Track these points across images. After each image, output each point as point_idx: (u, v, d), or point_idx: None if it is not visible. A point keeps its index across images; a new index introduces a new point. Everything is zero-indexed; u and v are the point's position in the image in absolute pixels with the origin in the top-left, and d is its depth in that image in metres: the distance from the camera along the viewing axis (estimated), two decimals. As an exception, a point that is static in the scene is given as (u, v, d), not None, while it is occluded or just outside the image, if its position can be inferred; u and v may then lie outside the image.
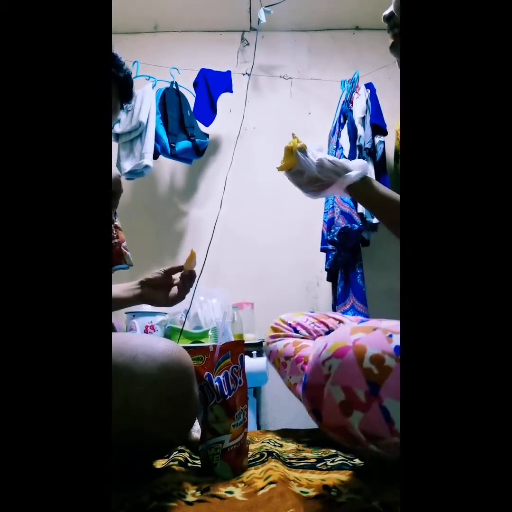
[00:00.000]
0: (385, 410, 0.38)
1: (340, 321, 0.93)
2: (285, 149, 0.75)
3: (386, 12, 0.65)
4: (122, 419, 0.44)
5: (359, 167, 0.73)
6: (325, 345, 0.44)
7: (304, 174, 0.73)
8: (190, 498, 0.44)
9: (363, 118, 1.73)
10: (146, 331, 1.57)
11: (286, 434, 0.98)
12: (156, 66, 1.97)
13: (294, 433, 0.97)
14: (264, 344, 1.02)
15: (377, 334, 0.42)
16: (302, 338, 0.93)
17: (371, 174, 1.63)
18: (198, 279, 1.57)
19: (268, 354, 0.98)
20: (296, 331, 0.95)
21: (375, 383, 0.39)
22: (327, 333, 0.91)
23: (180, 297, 0.80)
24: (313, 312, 1.00)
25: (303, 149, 0.74)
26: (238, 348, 0.59)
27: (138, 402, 0.46)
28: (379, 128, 1.71)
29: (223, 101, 1.93)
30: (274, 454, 0.63)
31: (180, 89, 1.90)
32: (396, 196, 0.73)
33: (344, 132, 1.74)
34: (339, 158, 0.75)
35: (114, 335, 0.50)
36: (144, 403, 0.46)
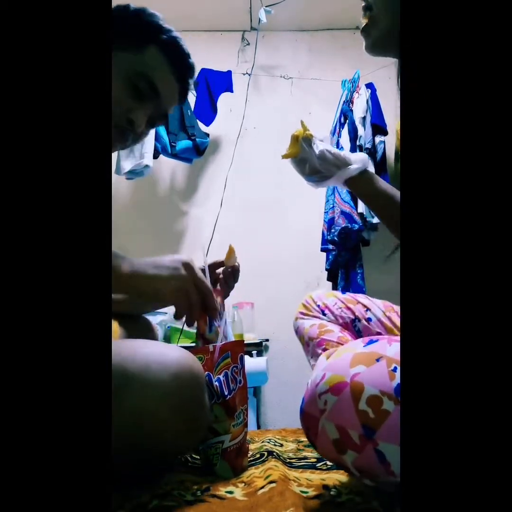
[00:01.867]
0: (380, 453, 0.37)
1: (368, 308, 0.92)
2: (292, 137, 0.75)
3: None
4: (134, 428, 0.44)
5: (360, 161, 0.73)
6: (323, 376, 0.42)
7: (306, 164, 0.73)
8: (190, 498, 0.44)
9: (364, 118, 1.74)
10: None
11: (286, 432, 0.98)
12: (156, 65, 1.96)
13: (294, 432, 0.97)
14: (293, 319, 1.03)
15: (379, 368, 0.39)
16: (329, 321, 0.94)
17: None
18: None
19: (295, 329, 1.00)
20: (324, 313, 0.96)
21: (370, 427, 0.37)
22: (352, 321, 0.91)
23: (224, 296, 0.74)
24: (345, 292, 0.99)
25: (309, 138, 0.73)
26: (238, 348, 0.59)
27: (151, 411, 0.45)
28: (379, 128, 1.71)
29: (224, 100, 1.93)
30: (274, 453, 0.63)
31: (181, 89, 1.90)
32: (396, 192, 0.72)
33: (345, 132, 1.74)
34: (321, 142, 0.75)
35: (125, 341, 0.50)
36: (157, 412, 0.45)
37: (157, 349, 0.50)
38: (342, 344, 0.85)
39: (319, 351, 0.87)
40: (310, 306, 0.98)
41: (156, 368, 0.46)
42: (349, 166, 0.72)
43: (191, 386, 0.48)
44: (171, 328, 1.58)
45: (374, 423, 0.37)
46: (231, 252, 0.75)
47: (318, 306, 0.97)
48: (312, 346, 0.90)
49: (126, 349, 0.47)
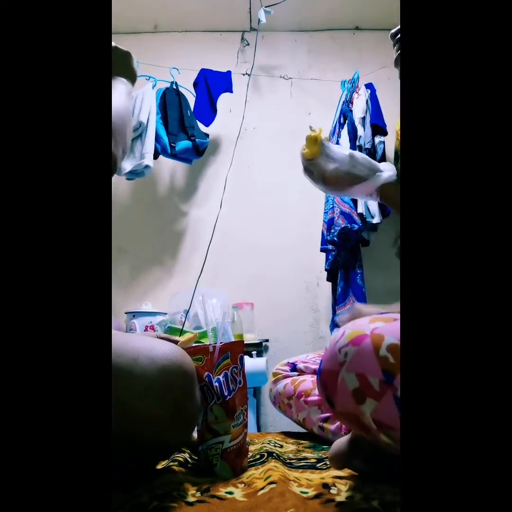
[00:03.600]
0: (398, 400, 0.38)
1: None
2: (308, 139, 0.70)
3: (394, 30, 0.65)
4: (120, 420, 0.44)
5: (391, 169, 0.70)
6: (343, 333, 0.44)
7: (331, 166, 0.68)
8: (190, 499, 0.44)
9: (363, 118, 1.74)
10: (146, 331, 1.57)
11: (286, 436, 0.98)
12: (156, 66, 1.97)
13: (294, 435, 0.97)
14: (269, 392, 1.03)
15: (397, 324, 0.41)
16: (299, 373, 0.95)
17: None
18: (198, 279, 1.58)
19: (272, 400, 0.99)
20: (294, 366, 0.97)
21: (390, 372, 0.38)
22: None
23: None
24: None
25: (327, 140, 0.70)
26: (238, 349, 0.59)
27: (137, 404, 0.45)
28: (379, 128, 1.71)
29: (223, 101, 1.93)
30: (274, 454, 0.63)
31: (180, 89, 1.90)
32: None
33: (344, 132, 1.74)
34: (342, 146, 0.74)
35: (115, 335, 0.50)
36: (142, 405, 0.46)
37: (146, 343, 0.50)
38: None
39: (302, 402, 0.87)
40: (278, 371, 1.00)
41: (143, 361, 0.47)
42: (382, 172, 0.68)
43: (179, 379, 0.49)
44: (171, 328, 1.57)
45: (394, 368, 0.38)
46: (191, 340, 0.69)
47: (288, 363, 0.99)
48: (294, 402, 0.90)
49: (116, 342, 0.47)
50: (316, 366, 0.94)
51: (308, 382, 0.89)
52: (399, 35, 0.64)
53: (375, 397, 0.39)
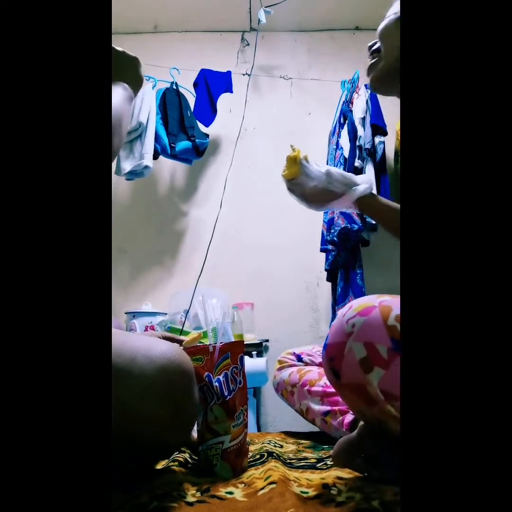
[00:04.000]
0: None
1: None
2: (288, 159, 0.74)
3: (371, 42, 0.67)
4: (119, 420, 0.44)
5: (367, 181, 0.72)
6: (350, 306, 0.45)
7: (310, 184, 0.72)
8: (190, 499, 0.44)
9: (363, 118, 1.73)
10: (146, 331, 1.57)
11: (286, 435, 0.98)
12: (156, 66, 1.97)
13: (294, 435, 0.97)
14: (272, 379, 1.03)
15: None
16: (305, 365, 0.95)
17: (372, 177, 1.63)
18: (198, 279, 1.58)
19: (276, 387, 0.99)
20: (300, 358, 0.98)
21: (399, 340, 0.39)
22: None
23: None
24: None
25: (306, 159, 0.73)
26: (238, 349, 0.59)
27: (135, 404, 0.45)
28: (379, 128, 1.71)
29: (223, 101, 1.93)
30: (274, 454, 0.63)
31: (180, 90, 1.90)
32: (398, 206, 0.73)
33: (344, 132, 1.74)
34: (340, 159, 0.75)
35: (114, 335, 0.50)
36: (140, 405, 0.46)
37: (144, 343, 0.50)
38: (324, 376, 0.86)
39: (305, 391, 0.88)
40: (284, 359, 1.00)
41: (141, 361, 0.47)
42: (358, 186, 0.71)
43: (179, 378, 0.49)
44: (171, 328, 1.57)
45: None
46: (196, 340, 0.70)
47: (294, 353, 0.99)
48: (298, 391, 0.90)
49: (114, 342, 0.47)
50: (318, 361, 0.94)
51: (314, 373, 0.89)
52: (375, 46, 0.67)
53: (383, 365, 0.40)
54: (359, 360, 0.41)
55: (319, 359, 0.95)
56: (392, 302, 0.42)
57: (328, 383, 0.83)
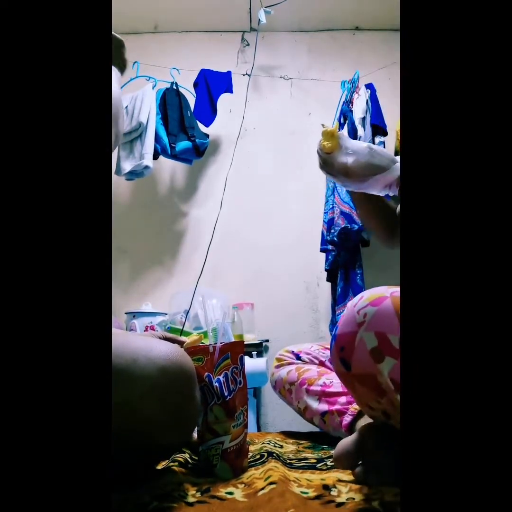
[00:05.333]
0: None
1: None
2: (325, 133, 0.71)
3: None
4: (120, 421, 0.44)
5: None
6: (362, 296, 0.44)
7: (351, 159, 0.68)
8: (190, 499, 0.44)
9: (363, 119, 1.74)
10: (145, 331, 1.57)
11: (286, 436, 0.98)
12: (156, 66, 1.97)
13: (294, 435, 0.97)
14: (269, 376, 1.03)
15: None
16: (304, 363, 0.94)
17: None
18: (198, 279, 1.58)
19: (273, 384, 0.99)
20: (298, 357, 0.97)
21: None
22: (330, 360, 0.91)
23: None
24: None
25: (343, 134, 0.71)
26: (238, 349, 0.59)
27: (137, 405, 0.45)
28: (379, 128, 1.71)
29: (223, 101, 1.93)
30: (274, 454, 0.63)
31: (180, 90, 1.90)
32: None
33: (344, 132, 1.74)
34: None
35: (115, 335, 0.50)
36: (142, 406, 0.46)
37: (145, 344, 0.50)
38: (323, 375, 0.85)
39: (303, 390, 0.87)
40: (283, 357, 0.99)
41: (143, 362, 0.47)
42: (398, 163, 0.68)
43: (179, 379, 0.48)
44: (171, 328, 1.57)
45: None
46: (196, 342, 0.69)
47: (292, 352, 0.98)
48: (295, 390, 0.89)
49: (114, 343, 0.47)
50: (322, 358, 0.94)
51: (313, 371, 0.89)
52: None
53: (394, 355, 0.39)
54: (370, 350, 0.41)
55: (318, 358, 0.94)
56: None
57: (327, 382, 0.83)
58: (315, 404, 0.84)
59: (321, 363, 0.93)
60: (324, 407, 0.81)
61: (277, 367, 0.98)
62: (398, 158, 0.70)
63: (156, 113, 1.78)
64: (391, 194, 0.72)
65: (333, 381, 0.82)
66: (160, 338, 0.67)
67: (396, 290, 0.43)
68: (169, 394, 0.47)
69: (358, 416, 0.73)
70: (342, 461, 0.49)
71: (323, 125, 0.73)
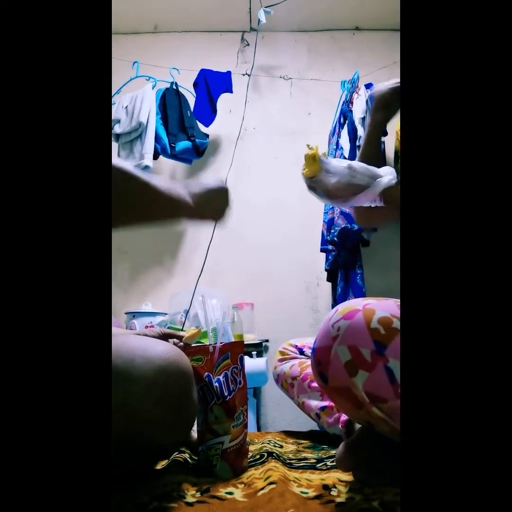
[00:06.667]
0: (389, 370, 0.39)
1: None
2: (307, 157, 0.72)
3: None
4: (118, 422, 0.44)
5: (391, 172, 0.71)
6: (336, 310, 0.45)
7: (332, 181, 0.70)
8: (190, 499, 0.44)
9: (363, 118, 1.74)
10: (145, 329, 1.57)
11: (286, 435, 0.97)
12: (156, 66, 1.96)
13: (294, 435, 0.97)
14: (272, 369, 1.03)
15: (388, 301, 0.43)
16: (308, 358, 0.95)
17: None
18: (198, 279, 1.58)
19: (276, 378, 0.99)
20: (302, 352, 0.97)
21: (381, 343, 0.39)
22: None
23: None
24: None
25: (325, 156, 0.71)
26: (238, 349, 0.59)
27: (134, 405, 0.45)
28: (379, 128, 1.71)
29: (223, 101, 1.93)
30: (274, 454, 0.63)
31: (180, 90, 1.90)
32: None
33: (344, 132, 1.74)
34: (340, 159, 0.74)
35: (112, 335, 0.50)
36: (140, 406, 0.46)
37: (142, 343, 0.50)
38: None
39: (305, 385, 0.88)
40: (286, 351, 1.00)
41: (140, 362, 0.47)
42: (382, 178, 0.69)
43: (176, 378, 0.49)
44: (171, 328, 1.57)
45: (385, 339, 0.39)
46: (195, 335, 0.70)
47: (296, 346, 0.99)
48: (298, 384, 0.90)
49: (112, 342, 0.47)
50: None
51: None
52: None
53: (367, 368, 0.40)
54: (344, 363, 0.41)
55: None
56: (376, 305, 0.43)
57: None
58: (315, 401, 0.84)
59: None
60: (324, 403, 0.82)
61: (280, 360, 0.99)
62: (383, 171, 0.71)
63: (156, 113, 1.78)
64: (378, 205, 0.73)
65: None
66: (159, 334, 0.67)
67: (368, 302, 0.44)
68: (166, 393, 0.47)
69: None
70: (344, 463, 0.49)
71: (308, 145, 0.73)
